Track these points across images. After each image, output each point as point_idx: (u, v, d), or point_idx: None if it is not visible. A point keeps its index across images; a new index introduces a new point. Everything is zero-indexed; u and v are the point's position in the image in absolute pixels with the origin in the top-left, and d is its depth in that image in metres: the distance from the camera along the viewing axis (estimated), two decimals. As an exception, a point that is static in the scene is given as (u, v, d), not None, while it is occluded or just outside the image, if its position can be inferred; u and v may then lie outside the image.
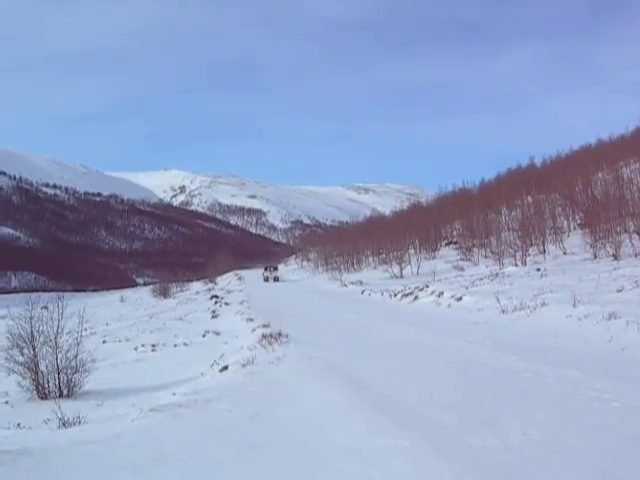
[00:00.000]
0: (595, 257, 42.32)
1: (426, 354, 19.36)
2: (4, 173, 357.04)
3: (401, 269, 70.82)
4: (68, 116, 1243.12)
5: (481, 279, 42.62)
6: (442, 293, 37.51)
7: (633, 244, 39.72)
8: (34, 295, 25.94)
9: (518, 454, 8.88)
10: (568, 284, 30.31)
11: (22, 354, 21.09)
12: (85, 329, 26.60)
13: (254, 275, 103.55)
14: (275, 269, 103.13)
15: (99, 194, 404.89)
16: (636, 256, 37.89)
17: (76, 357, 21.17)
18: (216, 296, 66.44)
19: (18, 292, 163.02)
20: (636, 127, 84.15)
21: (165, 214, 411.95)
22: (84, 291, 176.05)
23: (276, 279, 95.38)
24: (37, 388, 20.71)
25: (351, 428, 10.87)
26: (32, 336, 21.28)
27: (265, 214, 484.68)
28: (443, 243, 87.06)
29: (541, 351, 17.86)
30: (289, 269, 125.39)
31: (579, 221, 57.94)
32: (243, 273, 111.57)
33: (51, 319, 21.64)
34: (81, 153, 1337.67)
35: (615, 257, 39.16)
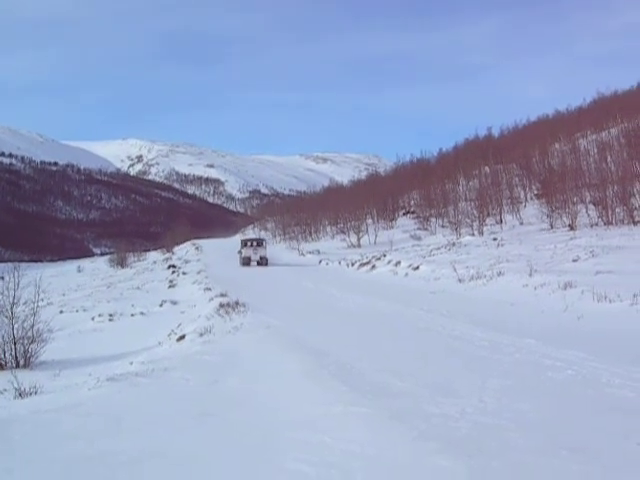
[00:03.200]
0: (551, 227, 42.71)
1: (383, 323, 19.43)
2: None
3: (358, 238, 71.06)
4: (24, 84, 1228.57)
5: (438, 248, 42.84)
6: (399, 262, 37.78)
7: (589, 214, 40.12)
8: (-11, 265, 25.62)
9: (473, 421, 8.93)
10: (524, 254, 30.61)
11: (-23, 325, 20.87)
12: (42, 299, 26.42)
13: (212, 245, 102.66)
14: (260, 244, 63.74)
15: (56, 163, 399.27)
16: (592, 226, 38.28)
17: (32, 327, 20.96)
18: (173, 266, 66.26)
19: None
20: (593, 98, 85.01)
21: (122, 183, 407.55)
22: (41, 261, 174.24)
23: (263, 261, 59.96)
24: (-7, 358, 20.53)
25: (308, 396, 10.87)
26: (-13, 306, 21.05)
27: (223, 183, 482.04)
28: (401, 213, 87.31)
29: (497, 320, 18.00)
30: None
31: (536, 191, 58.32)
32: (201, 243, 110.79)
33: (7, 289, 21.41)
34: (37, 122, 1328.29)
35: (571, 227, 39.53)
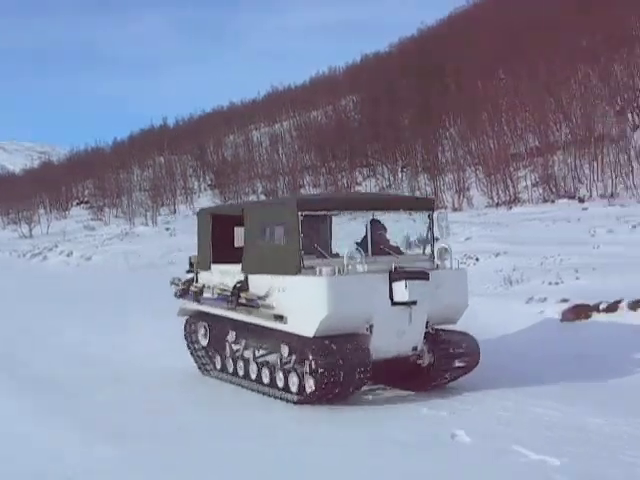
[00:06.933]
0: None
1: (54, 312, 19.28)
2: None
3: (30, 229, 68.93)
4: None
5: (111, 239, 42.70)
6: (71, 253, 37.44)
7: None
8: None
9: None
10: (195, 243, 31.19)
11: None
12: None
13: None
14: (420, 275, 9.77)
15: None
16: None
17: None
18: None
19: None
20: (267, 92, 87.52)
21: None
22: None
23: (460, 368, 10.34)
24: None
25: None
26: None
27: None
28: (74, 203, 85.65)
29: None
30: None
31: (210, 182, 59.28)
32: None
33: None
34: None
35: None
